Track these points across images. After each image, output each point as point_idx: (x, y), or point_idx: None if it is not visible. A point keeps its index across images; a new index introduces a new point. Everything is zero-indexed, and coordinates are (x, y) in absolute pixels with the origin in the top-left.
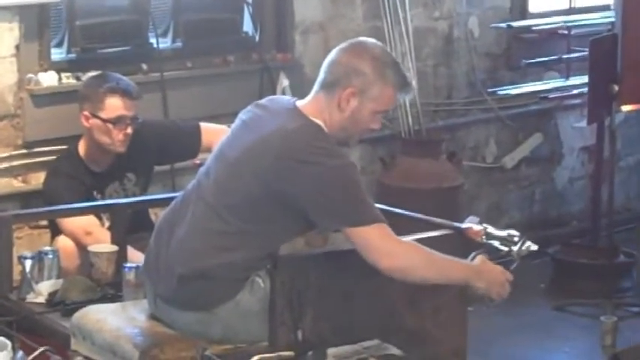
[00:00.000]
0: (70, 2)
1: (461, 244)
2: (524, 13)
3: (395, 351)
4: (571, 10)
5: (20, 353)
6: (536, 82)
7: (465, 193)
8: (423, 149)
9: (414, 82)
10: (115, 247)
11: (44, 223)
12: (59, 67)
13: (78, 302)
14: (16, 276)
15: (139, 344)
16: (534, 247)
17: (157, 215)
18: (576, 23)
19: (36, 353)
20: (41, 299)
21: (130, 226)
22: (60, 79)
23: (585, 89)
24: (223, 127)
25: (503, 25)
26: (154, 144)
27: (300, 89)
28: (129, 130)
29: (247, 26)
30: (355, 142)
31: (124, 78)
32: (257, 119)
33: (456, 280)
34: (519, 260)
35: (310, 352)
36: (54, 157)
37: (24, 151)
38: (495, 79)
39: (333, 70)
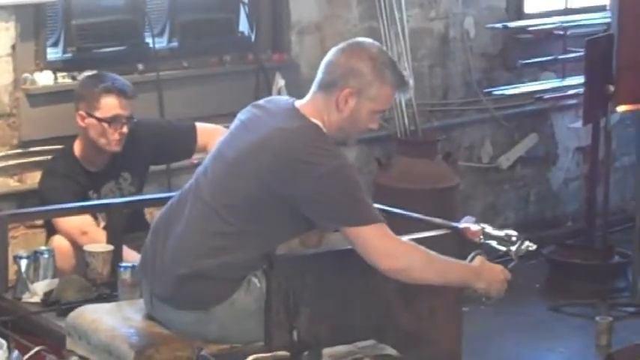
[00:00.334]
0: (66, 2)
1: (458, 244)
2: (520, 14)
3: (390, 351)
4: (567, 11)
5: (15, 353)
6: (532, 83)
7: (461, 194)
8: (419, 149)
9: (411, 82)
10: (110, 247)
11: (40, 222)
12: (55, 67)
13: (73, 302)
14: (12, 276)
15: (135, 344)
16: (533, 247)
17: (152, 215)
18: (572, 24)
19: (31, 353)
20: (37, 299)
21: (125, 226)
22: (56, 78)
23: (581, 90)
24: (219, 127)
25: (499, 25)
26: (150, 144)
27: (296, 89)
28: (124, 130)
29: (243, 26)
30: (354, 142)
31: (120, 78)
32: (256, 119)
33: (456, 282)
34: (517, 260)
35: (306, 352)
36: (50, 156)
37: (19, 150)
38: (491, 80)
39: (330, 71)
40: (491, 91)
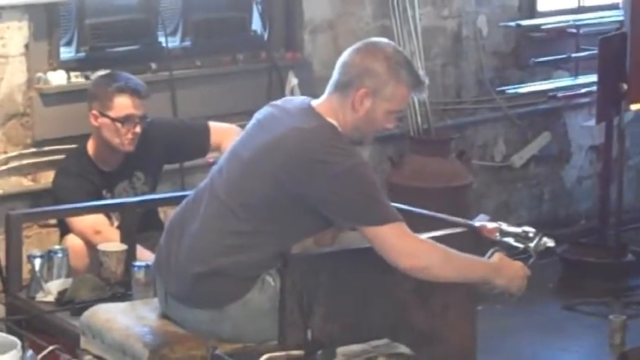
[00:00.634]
0: (80, 1)
1: (474, 242)
2: (532, 12)
3: (404, 350)
4: (580, 9)
5: (30, 352)
6: (545, 81)
7: (474, 192)
8: (432, 148)
9: (427, 81)
10: (124, 246)
11: (53, 222)
12: (68, 66)
13: (87, 301)
14: (26, 275)
15: (149, 343)
16: (551, 244)
17: (165, 214)
18: (585, 22)
19: (45, 352)
20: (50, 298)
21: (139, 225)
22: (69, 78)
23: (594, 88)
24: (232, 126)
25: (512, 23)
26: (163, 143)
27: (309, 88)
28: (137, 130)
29: (256, 25)
30: (369, 142)
31: (133, 77)
32: (272, 119)
33: (475, 279)
34: (536, 256)
35: (320, 352)
36: (63, 156)
37: (33, 150)
38: (504, 78)
39: (346, 71)
40: (504, 90)
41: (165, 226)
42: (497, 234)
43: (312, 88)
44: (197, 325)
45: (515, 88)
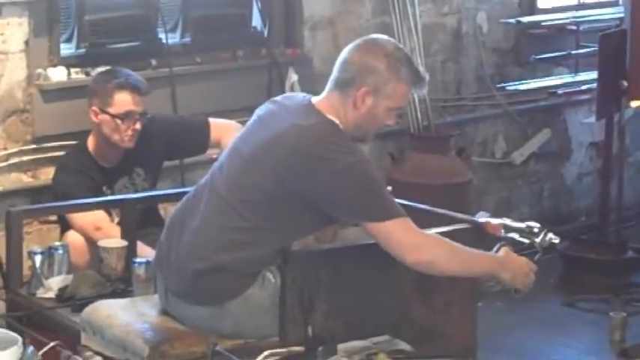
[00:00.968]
0: None
1: (478, 239)
2: (533, 9)
3: (405, 346)
4: (580, 6)
5: (31, 348)
6: (545, 78)
7: (474, 189)
8: (432, 145)
9: (427, 77)
10: (124, 243)
11: (54, 218)
12: (68, 63)
13: (88, 297)
14: (26, 271)
15: (149, 339)
16: (557, 239)
17: (165, 210)
18: (585, 19)
19: (46, 348)
20: (51, 294)
21: (139, 222)
22: (69, 74)
23: (594, 85)
24: (232, 122)
25: (512, 20)
26: (163, 139)
27: (309, 84)
28: (137, 126)
29: (256, 21)
30: (371, 139)
31: (133, 73)
32: (272, 115)
33: (481, 273)
34: (542, 251)
35: (320, 348)
36: (63, 152)
37: (33, 146)
38: (504, 75)
39: (346, 69)
40: (504, 87)
41: (166, 223)
42: (502, 230)
43: (312, 85)
44: (197, 322)
45: (515, 85)
